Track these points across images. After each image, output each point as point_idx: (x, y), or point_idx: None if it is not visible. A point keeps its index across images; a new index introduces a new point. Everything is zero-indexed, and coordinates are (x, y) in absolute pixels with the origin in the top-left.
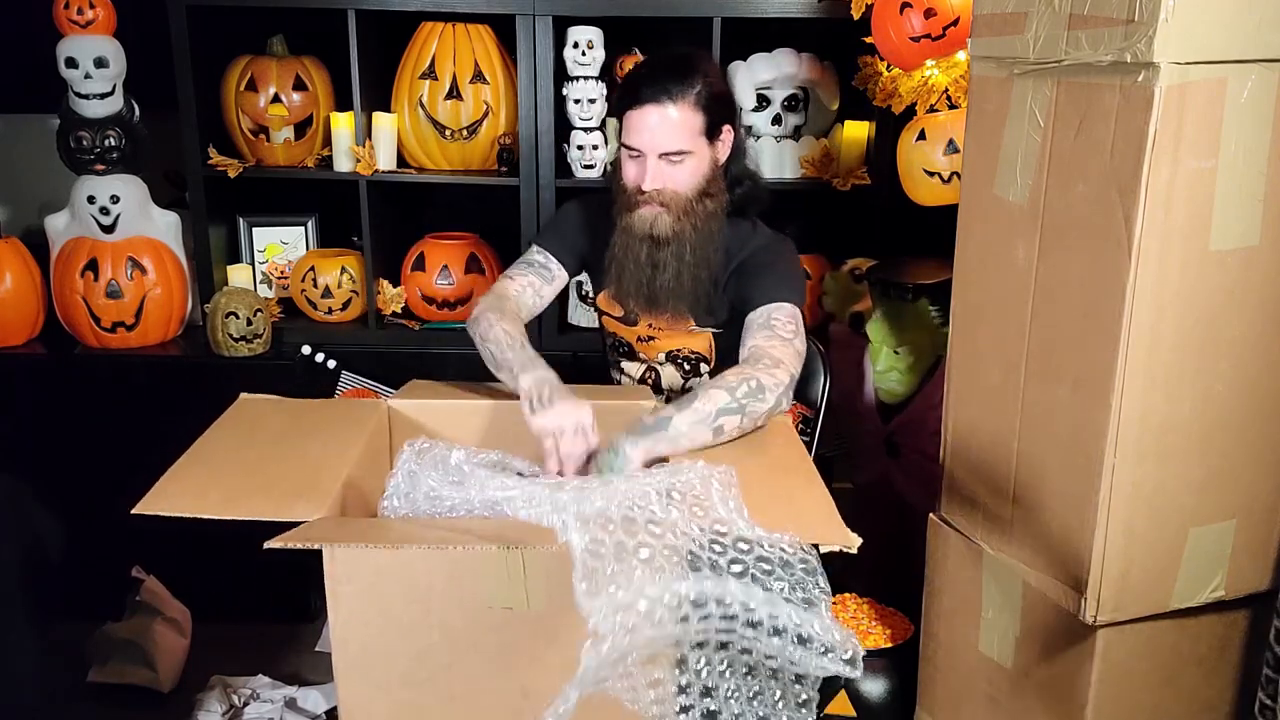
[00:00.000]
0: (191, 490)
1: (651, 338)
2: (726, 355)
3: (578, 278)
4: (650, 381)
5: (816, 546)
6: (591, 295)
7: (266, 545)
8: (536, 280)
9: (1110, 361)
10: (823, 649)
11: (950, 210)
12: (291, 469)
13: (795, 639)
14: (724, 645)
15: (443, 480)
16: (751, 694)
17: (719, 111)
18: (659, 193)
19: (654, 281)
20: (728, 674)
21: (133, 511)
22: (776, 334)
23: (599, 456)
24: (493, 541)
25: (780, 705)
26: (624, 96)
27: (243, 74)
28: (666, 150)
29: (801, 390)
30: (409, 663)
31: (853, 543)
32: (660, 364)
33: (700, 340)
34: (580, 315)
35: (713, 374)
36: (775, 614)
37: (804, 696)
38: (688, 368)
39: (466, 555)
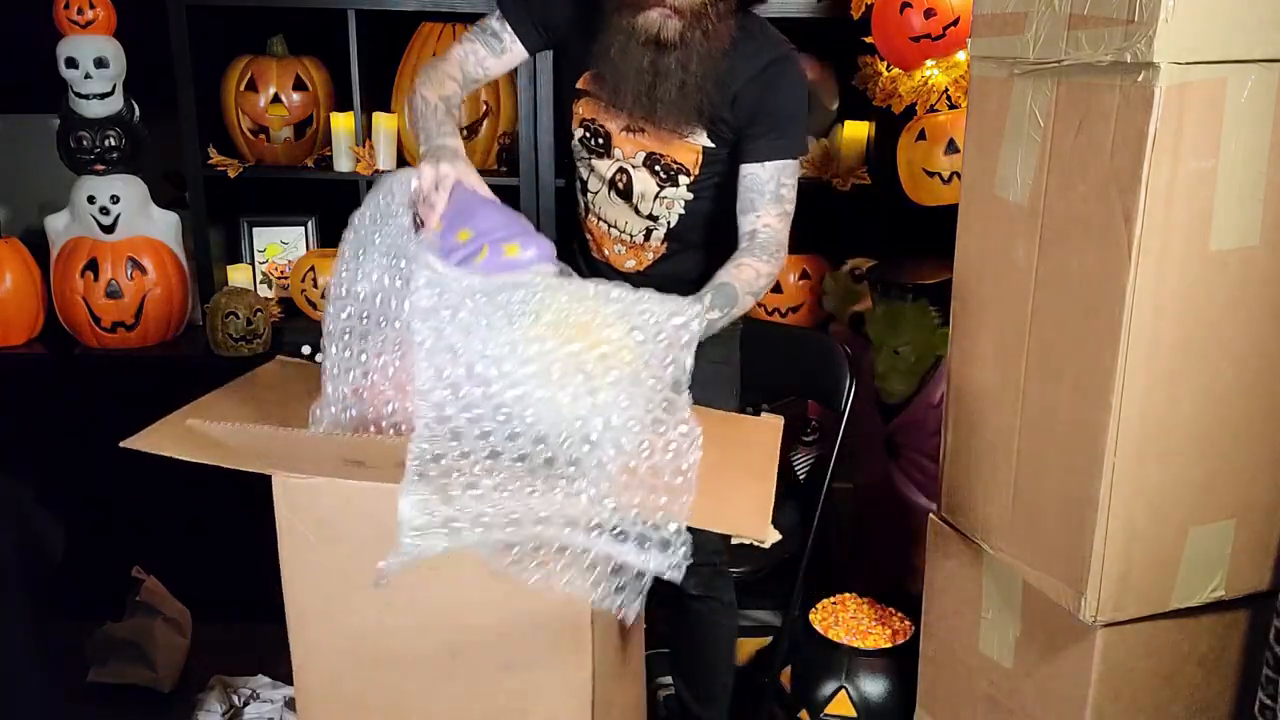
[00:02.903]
0: (176, 435)
1: (641, 130)
2: (710, 171)
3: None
4: (621, 184)
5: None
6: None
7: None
8: (481, 50)
9: (1110, 361)
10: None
11: (950, 210)
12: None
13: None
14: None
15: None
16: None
17: None
18: None
19: (654, 90)
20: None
21: (120, 445)
22: (784, 207)
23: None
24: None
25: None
26: None
27: (243, 74)
28: None
29: (827, 392)
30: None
31: (768, 538)
32: (634, 166)
33: (687, 152)
34: None
35: (692, 187)
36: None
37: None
38: (664, 176)
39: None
